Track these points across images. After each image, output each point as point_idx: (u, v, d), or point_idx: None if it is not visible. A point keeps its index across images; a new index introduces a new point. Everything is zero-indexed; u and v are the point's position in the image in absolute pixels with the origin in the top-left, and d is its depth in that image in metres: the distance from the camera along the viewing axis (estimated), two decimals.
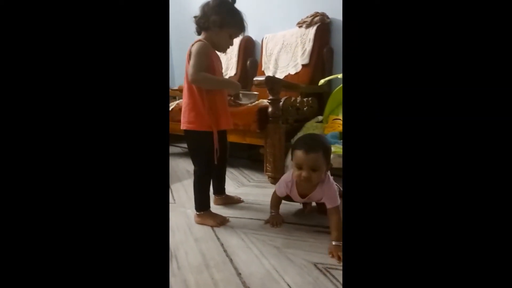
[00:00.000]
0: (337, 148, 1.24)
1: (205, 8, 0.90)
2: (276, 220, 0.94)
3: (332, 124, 1.43)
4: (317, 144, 0.81)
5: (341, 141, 1.31)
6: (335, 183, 0.89)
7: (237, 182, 1.40)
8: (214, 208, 1.03)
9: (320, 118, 1.51)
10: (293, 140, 1.37)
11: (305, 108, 1.49)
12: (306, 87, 1.56)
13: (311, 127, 1.44)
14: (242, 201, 1.13)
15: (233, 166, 1.67)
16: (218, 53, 0.95)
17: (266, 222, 0.96)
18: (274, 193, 0.97)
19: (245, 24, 0.93)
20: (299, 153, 0.81)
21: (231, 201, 1.12)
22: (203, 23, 0.90)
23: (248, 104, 1.04)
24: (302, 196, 0.91)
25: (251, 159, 1.81)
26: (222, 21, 0.88)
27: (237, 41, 2.03)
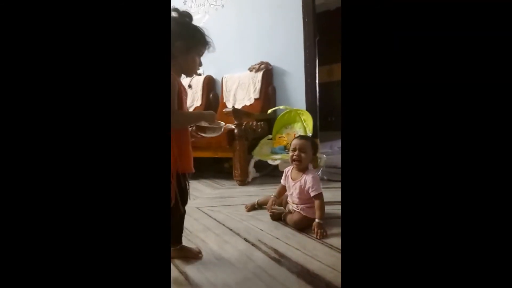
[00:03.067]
0: (284, 156, 1.80)
1: None
2: (269, 203, 1.20)
3: (278, 140, 2.01)
4: (307, 137, 1.24)
5: (287, 150, 1.89)
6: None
7: (212, 187, 1.83)
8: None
9: (270, 136, 2.08)
10: (253, 153, 1.88)
11: (259, 130, 2.05)
12: (259, 115, 2.13)
13: (264, 143, 1.99)
14: (200, 254, 0.93)
15: (205, 177, 2.09)
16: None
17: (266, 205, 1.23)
18: (280, 184, 1.26)
19: (207, 39, 0.85)
20: (294, 140, 1.18)
21: (188, 254, 0.92)
22: None
23: (212, 136, 0.92)
24: (294, 179, 1.16)
25: (216, 171, 2.25)
26: (187, 44, 0.82)
27: (200, 79, 2.53)
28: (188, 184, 0.89)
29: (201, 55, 0.87)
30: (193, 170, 0.88)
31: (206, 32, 0.85)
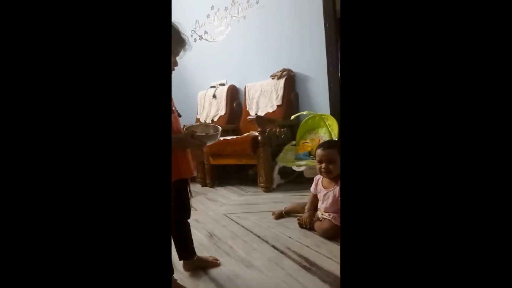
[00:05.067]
0: (309, 162, 1.77)
1: None
2: (307, 219, 1.14)
3: (302, 146, 1.98)
4: (333, 144, 1.11)
5: (311, 156, 1.86)
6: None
7: (238, 194, 1.84)
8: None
9: (293, 142, 2.06)
10: (277, 159, 1.88)
11: (282, 136, 2.04)
12: (282, 121, 2.13)
13: (288, 149, 1.97)
14: (218, 262, 0.94)
15: (231, 184, 2.12)
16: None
17: (300, 220, 1.15)
18: (311, 192, 1.20)
19: (183, 36, 0.75)
20: (318, 151, 1.09)
21: (205, 264, 0.92)
22: None
23: (212, 142, 0.83)
24: (326, 188, 1.12)
25: (240, 178, 2.27)
26: None
27: (224, 89, 2.60)
28: (190, 193, 0.86)
29: (176, 54, 0.76)
30: (194, 173, 0.85)
31: (180, 29, 0.74)
